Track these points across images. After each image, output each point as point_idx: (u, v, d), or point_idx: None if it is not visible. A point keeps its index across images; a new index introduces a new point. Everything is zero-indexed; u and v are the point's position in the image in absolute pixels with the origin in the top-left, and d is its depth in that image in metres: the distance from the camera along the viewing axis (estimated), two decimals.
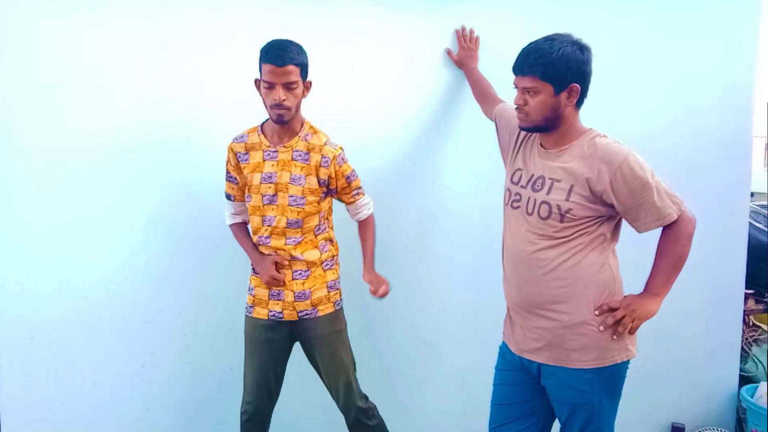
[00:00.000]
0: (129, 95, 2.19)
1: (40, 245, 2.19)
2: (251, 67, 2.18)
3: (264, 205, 1.98)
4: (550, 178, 1.64)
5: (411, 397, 2.52)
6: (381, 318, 2.47)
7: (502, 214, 1.81)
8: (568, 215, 1.60)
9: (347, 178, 2.03)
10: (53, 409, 2.26)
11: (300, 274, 2.01)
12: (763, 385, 2.51)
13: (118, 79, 2.18)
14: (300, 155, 1.97)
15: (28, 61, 2.11)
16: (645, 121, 2.40)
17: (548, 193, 1.63)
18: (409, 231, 2.45)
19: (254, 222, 2.02)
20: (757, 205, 3.23)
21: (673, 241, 1.62)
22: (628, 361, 1.69)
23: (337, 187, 2.03)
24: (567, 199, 1.60)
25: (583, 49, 1.62)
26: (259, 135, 2.00)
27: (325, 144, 1.98)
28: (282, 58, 1.85)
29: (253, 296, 2.07)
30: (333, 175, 2.00)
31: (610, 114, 2.24)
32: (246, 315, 2.09)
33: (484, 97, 2.20)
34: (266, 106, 1.92)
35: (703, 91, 2.42)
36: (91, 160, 2.19)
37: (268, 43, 1.90)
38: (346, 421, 2.12)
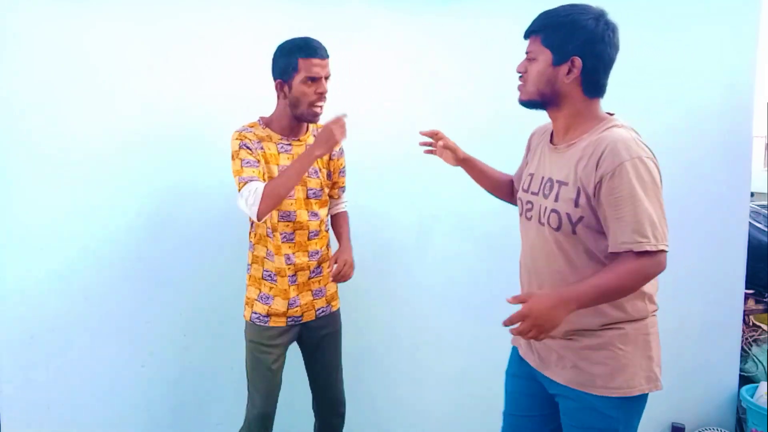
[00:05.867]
0: (130, 96, 2.19)
1: (41, 245, 2.18)
2: (252, 67, 2.18)
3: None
4: (557, 181, 1.41)
5: (411, 397, 2.52)
6: (381, 318, 2.47)
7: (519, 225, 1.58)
8: (580, 225, 1.35)
9: (341, 171, 2.06)
10: (53, 410, 2.26)
11: (314, 272, 1.96)
12: (763, 385, 2.51)
13: (119, 80, 2.18)
14: None
15: (29, 63, 2.11)
16: (645, 121, 2.37)
17: (556, 199, 1.40)
18: (410, 231, 2.45)
19: (273, 218, 1.87)
20: (757, 205, 3.23)
21: (623, 268, 1.29)
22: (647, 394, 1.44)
23: (333, 180, 2.03)
24: (576, 206, 1.35)
25: (600, 22, 1.36)
26: (263, 128, 1.89)
27: None
28: (324, 51, 1.80)
29: (269, 306, 1.91)
30: (334, 169, 2.01)
31: None
32: (256, 324, 1.92)
33: (495, 182, 1.82)
34: (299, 105, 1.81)
35: (703, 92, 2.41)
36: (92, 160, 2.19)
37: (299, 40, 1.80)
38: (331, 422, 2.08)
